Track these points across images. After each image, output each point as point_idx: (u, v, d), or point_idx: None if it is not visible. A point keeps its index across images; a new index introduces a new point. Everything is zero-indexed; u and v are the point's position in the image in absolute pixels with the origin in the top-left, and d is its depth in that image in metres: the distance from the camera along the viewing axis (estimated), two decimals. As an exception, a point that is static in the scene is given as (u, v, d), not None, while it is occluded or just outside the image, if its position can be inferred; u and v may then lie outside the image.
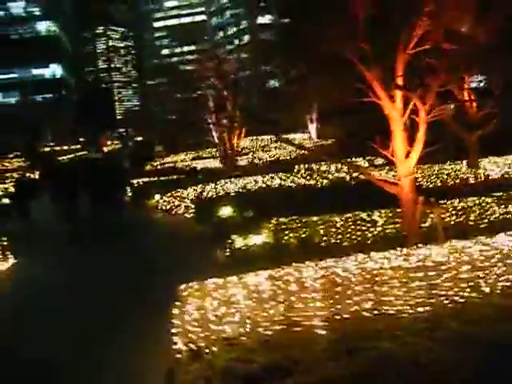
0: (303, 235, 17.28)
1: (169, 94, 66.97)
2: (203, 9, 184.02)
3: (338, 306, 8.87)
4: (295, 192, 25.92)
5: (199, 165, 48.53)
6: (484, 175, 26.91)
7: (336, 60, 15.49)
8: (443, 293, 9.13)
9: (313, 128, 46.30)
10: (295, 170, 33.63)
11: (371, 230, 17.50)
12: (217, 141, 42.78)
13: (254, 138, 57.91)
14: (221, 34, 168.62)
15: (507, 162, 28.34)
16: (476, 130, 28.36)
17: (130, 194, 36.94)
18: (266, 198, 24.53)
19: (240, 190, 27.13)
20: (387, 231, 17.48)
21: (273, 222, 18.05)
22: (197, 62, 53.00)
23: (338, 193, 23.65)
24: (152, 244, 22.10)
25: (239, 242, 17.64)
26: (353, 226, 17.66)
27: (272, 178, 29.58)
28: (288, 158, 50.07)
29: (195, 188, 29.01)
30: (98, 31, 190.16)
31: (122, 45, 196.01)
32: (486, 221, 18.10)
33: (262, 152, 54.08)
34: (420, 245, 12.62)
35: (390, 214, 18.21)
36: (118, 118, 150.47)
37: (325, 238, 17.25)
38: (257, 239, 17.39)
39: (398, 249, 12.33)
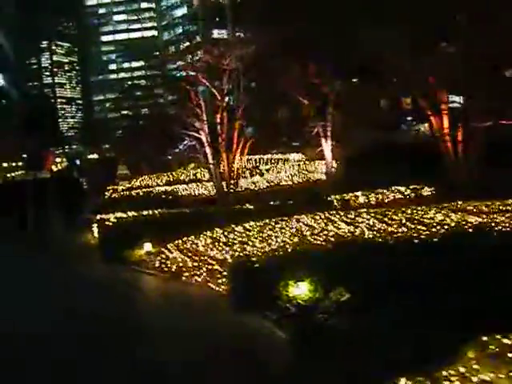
0: None
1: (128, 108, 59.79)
2: (154, 24, 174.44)
3: None
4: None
5: (180, 191, 37.67)
6: None
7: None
8: None
9: (327, 147, 35.39)
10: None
11: None
12: (211, 160, 31.75)
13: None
14: (172, 49, 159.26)
15: None
16: None
17: (96, 236, 25.65)
18: (354, 263, 13.67)
19: (299, 249, 15.69)
20: None
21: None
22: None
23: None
24: None
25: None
26: None
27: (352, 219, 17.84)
28: (290, 182, 39.91)
29: (214, 235, 17.65)
30: (42, 45, 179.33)
31: (66, 60, 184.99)
32: None
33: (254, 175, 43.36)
34: None
35: None
36: (64, 134, 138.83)
37: None
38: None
39: None
